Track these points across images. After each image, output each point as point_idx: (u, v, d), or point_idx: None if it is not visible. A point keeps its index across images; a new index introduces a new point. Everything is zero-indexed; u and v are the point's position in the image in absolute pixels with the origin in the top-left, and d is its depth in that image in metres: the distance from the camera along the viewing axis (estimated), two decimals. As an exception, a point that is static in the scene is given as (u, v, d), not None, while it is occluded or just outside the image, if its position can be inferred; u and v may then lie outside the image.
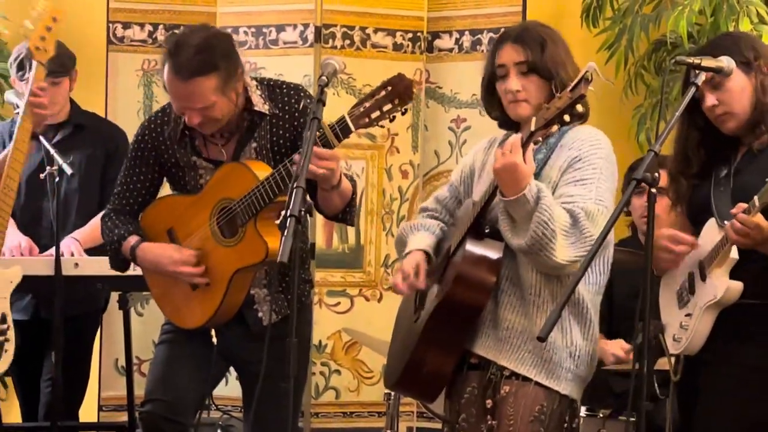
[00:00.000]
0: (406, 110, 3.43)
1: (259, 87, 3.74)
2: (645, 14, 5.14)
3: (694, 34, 4.90)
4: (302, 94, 3.73)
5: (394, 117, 3.44)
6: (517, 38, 3.30)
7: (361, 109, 3.42)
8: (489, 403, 3.26)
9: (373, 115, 3.43)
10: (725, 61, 3.26)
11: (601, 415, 4.07)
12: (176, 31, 5.28)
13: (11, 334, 3.74)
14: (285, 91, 3.75)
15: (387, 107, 3.42)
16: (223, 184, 3.68)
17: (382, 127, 3.49)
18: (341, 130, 3.43)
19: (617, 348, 4.25)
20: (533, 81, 3.27)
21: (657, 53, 5.23)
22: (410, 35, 5.40)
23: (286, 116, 3.68)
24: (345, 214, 3.72)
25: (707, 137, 3.38)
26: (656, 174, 2.96)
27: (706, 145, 3.38)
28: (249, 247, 3.62)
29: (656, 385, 3.43)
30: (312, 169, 3.39)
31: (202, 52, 3.57)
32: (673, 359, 3.36)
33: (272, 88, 3.76)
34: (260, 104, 3.71)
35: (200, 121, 3.62)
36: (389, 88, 3.41)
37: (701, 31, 4.90)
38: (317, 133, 3.30)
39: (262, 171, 3.58)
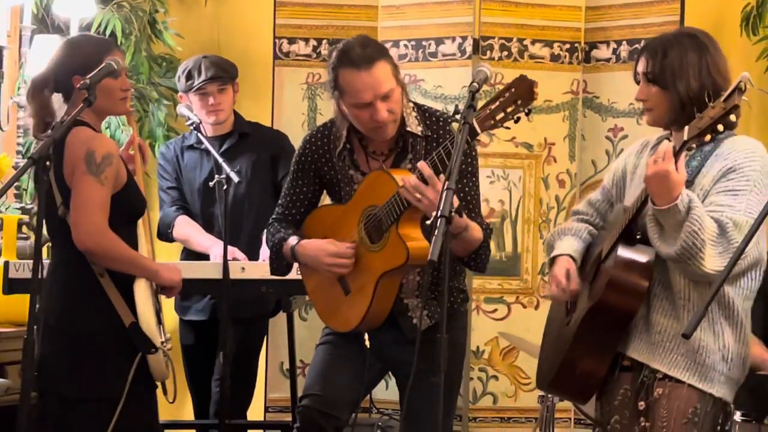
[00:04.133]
0: (529, 111, 3.40)
1: (414, 109, 3.80)
2: (806, 21, 5.06)
3: None
4: (450, 120, 3.76)
5: (519, 118, 3.41)
6: (646, 47, 3.31)
7: (487, 112, 3.43)
8: (642, 405, 3.25)
9: (498, 117, 3.43)
10: None
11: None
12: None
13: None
14: (437, 116, 3.81)
15: (510, 108, 3.41)
16: (369, 191, 3.74)
17: (507, 128, 3.45)
18: (469, 132, 3.42)
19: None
20: (654, 90, 3.27)
21: (819, 61, 5.13)
22: (568, 46, 5.38)
23: (440, 140, 3.70)
24: (470, 260, 3.75)
25: None
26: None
27: None
28: (392, 251, 3.66)
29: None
30: (406, 196, 3.52)
31: (369, 45, 3.70)
32: None
33: (425, 112, 3.81)
34: (414, 126, 3.76)
35: (387, 113, 3.65)
36: (513, 89, 3.41)
37: None
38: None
39: (403, 176, 3.61)
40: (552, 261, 3.45)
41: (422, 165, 3.52)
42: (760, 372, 4.01)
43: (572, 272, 3.36)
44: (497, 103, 3.43)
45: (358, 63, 3.65)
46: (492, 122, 3.44)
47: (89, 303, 3.61)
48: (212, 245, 4.81)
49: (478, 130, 3.44)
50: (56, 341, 3.57)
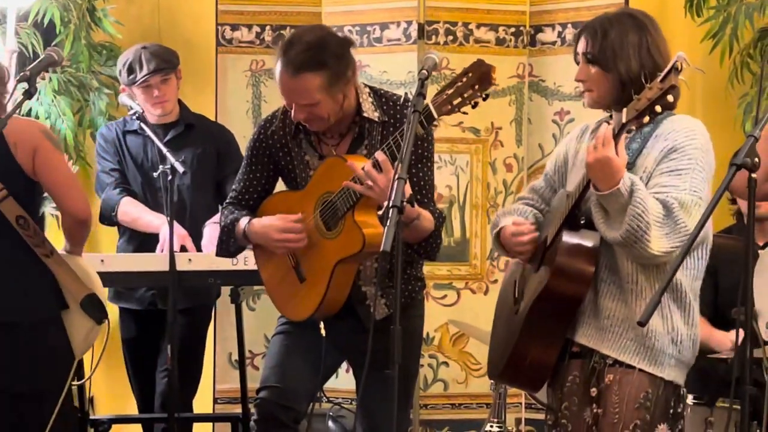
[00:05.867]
0: (487, 96, 3.42)
1: (371, 95, 3.79)
2: (749, 2, 5.07)
3: (801, 21, 4.84)
4: (407, 104, 3.76)
5: (476, 103, 3.43)
6: (586, 27, 3.31)
7: (444, 97, 3.43)
8: (593, 391, 3.26)
9: (455, 102, 3.43)
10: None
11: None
12: (283, 32, 5.41)
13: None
14: (394, 100, 3.80)
15: (468, 93, 3.41)
16: (325, 178, 3.73)
17: (465, 113, 3.48)
18: (425, 117, 3.43)
19: (727, 339, 4.20)
20: (594, 71, 3.27)
21: (763, 41, 5.16)
22: (513, 29, 5.39)
23: (397, 125, 3.70)
24: (420, 248, 3.74)
25: None
26: (756, 159, 2.93)
27: None
28: (348, 238, 3.66)
29: (764, 371, 3.40)
30: (354, 186, 3.52)
31: (312, 49, 3.62)
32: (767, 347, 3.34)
33: (382, 97, 3.80)
34: (370, 111, 3.75)
35: (305, 117, 3.68)
36: (470, 74, 3.41)
37: (808, 18, 4.84)
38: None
39: (360, 163, 3.60)
40: (497, 236, 3.43)
41: (379, 154, 3.52)
42: (709, 355, 4.05)
43: (522, 225, 3.35)
44: (454, 89, 3.43)
45: (286, 64, 3.63)
46: (449, 107, 3.44)
47: (43, 289, 3.59)
48: (162, 224, 4.78)
49: (435, 115, 3.44)
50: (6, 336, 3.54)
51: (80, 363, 3.88)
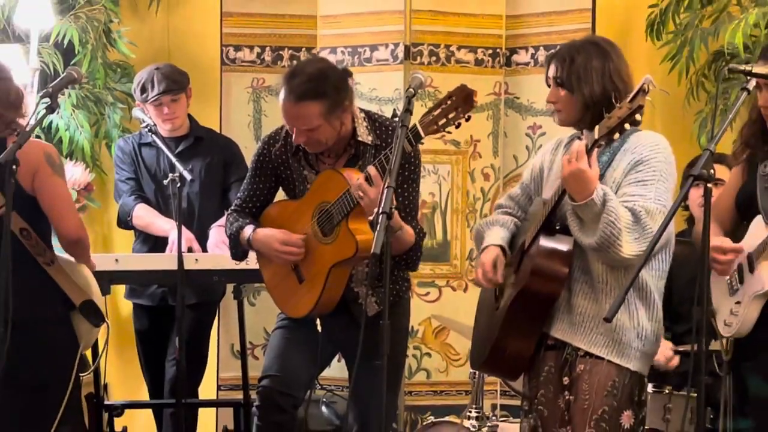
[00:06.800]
0: (469, 117, 3.43)
1: (365, 119, 3.79)
2: (704, 28, 5.09)
3: (750, 45, 4.84)
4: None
5: (460, 123, 3.44)
6: (556, 54, 3.32)
7: (430, 117, 3.44)
8: (566, 380, 3.28)
9: (441, 122, 3.44)
10: (774, 68, 3.22)
11: (667, 391, 4.04)
12: (281, 53, 5.40)
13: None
14: (387, 125, 3.80)
15: (452, 115, 3.43)
16: (322, 189, 3.74)
17: (449, 132, 3.47)
18: (413, 136, 3.45)
19: (660, 354, 4.13)
20: (563, 93, 3.28)
21: (716, 63, 5.17)
22: (490, 51, 5.39)
23: (387, 148, 3.68)
24: (401, 260, 3.75)
25: (763, 129, 3.35)
26: (711, 171, 2.94)
27: (760, 136, 3.36)
28: (342, 243, 3.67)
29: (716, 363, 3.41)
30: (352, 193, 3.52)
31: (313, 80, 3.63)
32: (724, 341, 3.35)
33: (375, 122, 3.80)
34: (365, 135, 3.75)
35: (305, 140, 3.69)
36: (454, 97, 3.42)
37: (756, 43, 4.84)
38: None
39: (354, 175, 3.63)
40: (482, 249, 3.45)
41: (370, 169, 3.53)
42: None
43: (499, 263, 3.37)
44: (439, 110, 3.44)
45: (288, 92, 3.64)
46: (435, 127, 3.45)
47: (43, 293, 3.56)
48: (171, 228, 4.78)
49: (422, 134, 3.45)
50: (16, 333, 3.51)
51: (83, 357, 3.86)
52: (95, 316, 3.65)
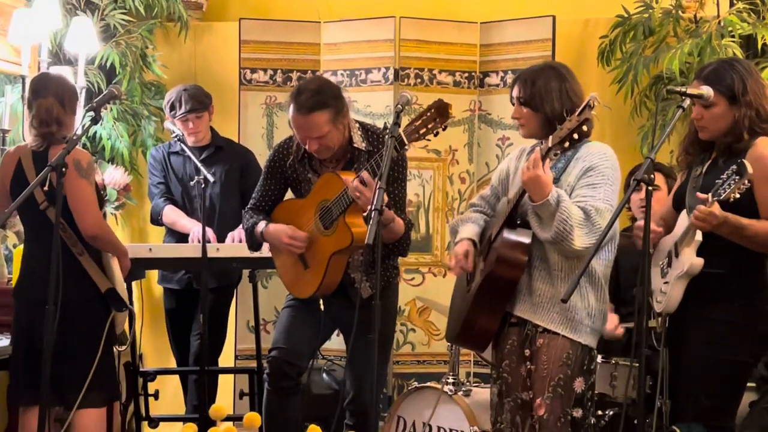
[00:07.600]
0: (446, 127, 3.41)
1: (360, 129, 3.79)
2: (646, 56, 5.09)
3: (685, 70, 4.85)
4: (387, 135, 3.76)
5: (438, 132, 3.42)
6: (519, 77, 3.32)
7: (413, 127, 3.44)
8: (527, 352, 3.29)
9: (422, 131, 3.44)
10: (705, 90, 3.23)
11: (614, 361, 4.04)
12: (291, 74, 5.40)
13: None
14: (378, 133, 3.79)
15: (431, 125, 3.42)
16: (323, 189, 3.74)
17: (428, 140, 3.47)
18: (399, 143, 3.45)
19: (610, 322, 4.15)
20: (525, 111, 3.28)
21: (656, 85, 5.17)
22: (466, 74, 5.39)
23: (378, 153, 3.68)
24: (394, 247, 3.75)
25: (697, 139, 3.37)
26: (652, 176, 2.95)
27: (695, 144, 3.38)
28: (340, 235, 3.67)
29: (654, 338, 3.42)
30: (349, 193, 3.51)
31: (317, 94, 3.63)
32: (659, 318, 3.36)
33: (368, 130, 3.80)
34: (359, 142, 3.75)
35: (317, 148, 3.68)
36: (432, 110, 3.42)
37: (690, 68, 4.85)
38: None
39: (350, 177, 3.63)
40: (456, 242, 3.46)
41: (364, 173, 3.53)
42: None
43: (470, 254, 3.37)
44: (420, 121, 3.44)
45: (298, 107, 3.63)
46: (417, 135, 3.45)
47: (74, 278, 3.55)
48: (193, 227, 4.82)
49: (406, 142, 3.44)
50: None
51: (123, 333, 3.84)
52: (117, 303, 3.63)
